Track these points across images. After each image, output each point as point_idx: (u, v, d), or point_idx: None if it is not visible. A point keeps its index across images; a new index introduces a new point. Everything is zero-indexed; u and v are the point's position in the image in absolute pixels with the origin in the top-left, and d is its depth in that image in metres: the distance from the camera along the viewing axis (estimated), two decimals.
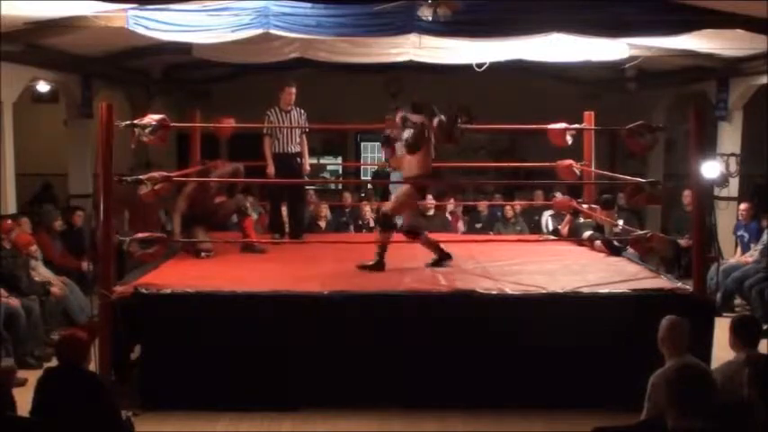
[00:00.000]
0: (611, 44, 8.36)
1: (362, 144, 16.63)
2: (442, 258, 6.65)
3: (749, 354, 4.07)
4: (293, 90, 7.76)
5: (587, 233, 7.62)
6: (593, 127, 8.22)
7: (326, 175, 14.98)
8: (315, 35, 7.24)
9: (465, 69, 9.11)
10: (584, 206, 8.07)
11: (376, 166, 17.02)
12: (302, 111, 7.88)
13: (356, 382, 5.61)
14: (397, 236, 6.60)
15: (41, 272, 7.62)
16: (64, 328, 6.80)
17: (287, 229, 8.07)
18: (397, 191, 6.74)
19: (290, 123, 7.74)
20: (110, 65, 10.17)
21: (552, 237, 8.86)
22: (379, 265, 6.46)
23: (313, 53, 8.93)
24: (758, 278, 8.22)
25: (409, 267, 6.53)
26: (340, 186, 13.71)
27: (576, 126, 7.91)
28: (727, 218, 9.81)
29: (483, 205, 10.85)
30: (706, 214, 6.22)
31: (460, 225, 10.49)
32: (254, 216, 9.78)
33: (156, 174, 6.05)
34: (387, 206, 6.79)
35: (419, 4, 6.51)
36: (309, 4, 6.79)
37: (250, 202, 9.49)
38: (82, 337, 4.36)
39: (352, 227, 10.18)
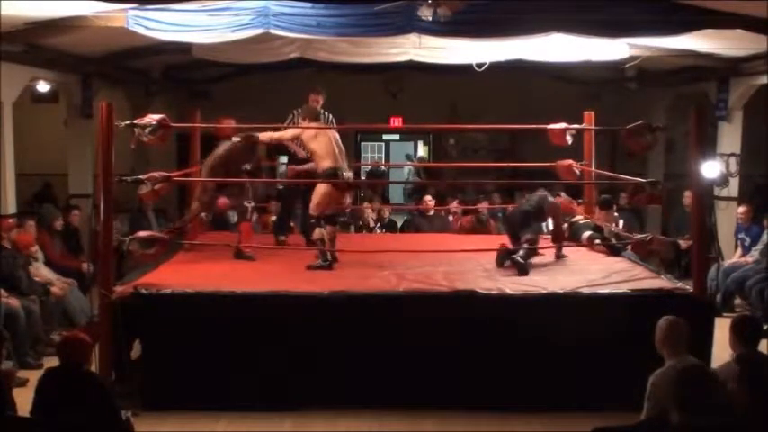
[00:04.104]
0: (611, 44, 8.35)
1: (362, 144, 16.66)
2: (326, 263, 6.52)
3: (745, 353, 4.06)
4: (320, 98, 7.60)
5: (587, 233, 7.61)
6: (593, 127, 8.22)
7: None
8: (315, 35, 7.23)
9: (465, 69, 9.10)
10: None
11: (369, 166, 17.09)
12: (328, 114, 7.65)
13: (356, 382, 5.61)
14: (398, 236, 6.55)
15: (42, 272, 7.63)
16: (64, 329, 6.81)
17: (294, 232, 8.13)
18: (315, 191, 6.66)
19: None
20: (110, 65, 10.15)
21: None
22: (328, 264, 6.49)
23: (313, 53, 8.92)
24: (758, 278, 8.22)
25: (409, 267, 6.52)
26: None
27: (576, 126, 7.89)
28: (728, 218, 9.80)
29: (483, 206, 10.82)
30: (706, 214, 6.21)
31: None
32: (254, 218, 9.78)
33: (156, 174, 6.05)
34: (311, 210, 6.64)
35: (419, 4, 6.50)
36: (309, 4, 6.78)
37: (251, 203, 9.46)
38: (84, 338, 4.37)
39: (352, 227, 10.18)
